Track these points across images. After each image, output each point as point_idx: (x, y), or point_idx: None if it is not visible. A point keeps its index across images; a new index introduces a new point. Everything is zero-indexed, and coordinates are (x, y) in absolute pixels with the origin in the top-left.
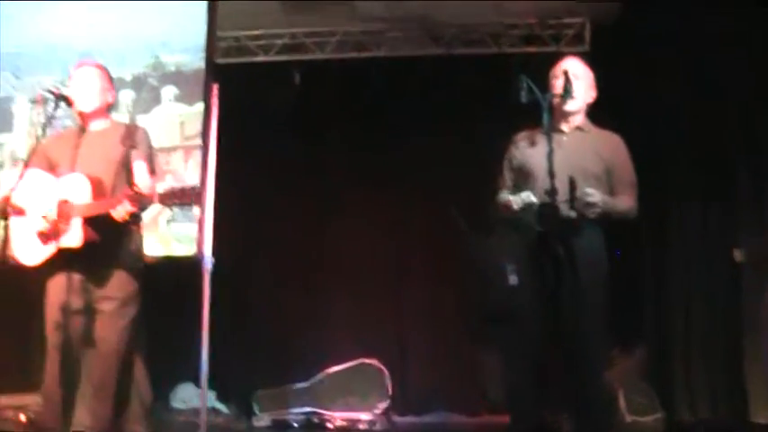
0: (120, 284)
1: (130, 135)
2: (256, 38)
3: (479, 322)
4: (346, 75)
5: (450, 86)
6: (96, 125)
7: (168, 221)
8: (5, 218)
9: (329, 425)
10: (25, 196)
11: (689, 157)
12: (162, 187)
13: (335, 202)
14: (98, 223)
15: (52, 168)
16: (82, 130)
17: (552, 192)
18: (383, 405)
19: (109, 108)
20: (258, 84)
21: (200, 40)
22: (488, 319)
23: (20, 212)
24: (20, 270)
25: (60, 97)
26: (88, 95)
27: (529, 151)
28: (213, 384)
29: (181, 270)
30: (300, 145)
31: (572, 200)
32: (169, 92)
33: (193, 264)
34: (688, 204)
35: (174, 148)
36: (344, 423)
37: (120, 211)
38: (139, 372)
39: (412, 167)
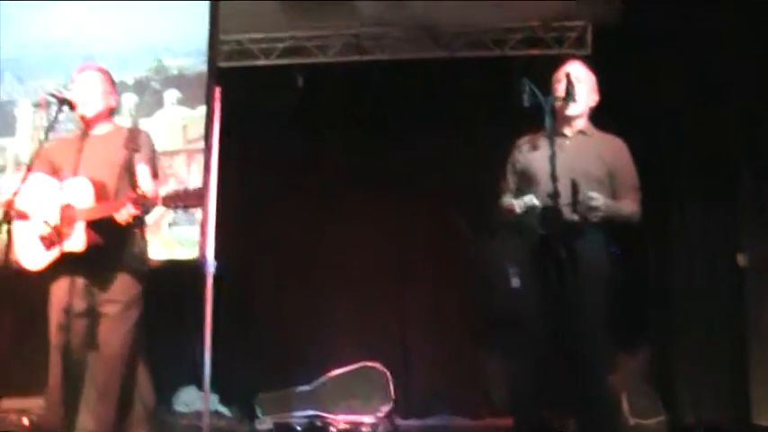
0: (123, 288)
1: (133, 139)
2: (258, 41)
3: (482, 325)
4: (348, 78)
5: (453, 89)
6: (99, 129)
7: (170, 225)
8: (9, 222)
9: (332, 428)
10: (28, 200)
11: (692, 159)
12: (165, 190)
13: (338, 206)
14: (101, 227)
15: (55, 172)
16: (85, 134)
17: (555, 195)
18: (386, 408)
19: (111, 112)
20: (261, 87)
21: (202, 43)
22: (491, 322)
23: (23, 217)
24: (23, 274)
25: (63, 101)
26: (91, 99)
27: (531, 155)
28: (216, 387)
29: (183, 273)
30: (303, 148)
31: (575, 203)
32: (171, 95)
33: (196, 267)
34: (691, 207)
35: (176, 152)
36: (347, 426)
37: (124, 215)
38: (142, 375)
39: (415, 171)
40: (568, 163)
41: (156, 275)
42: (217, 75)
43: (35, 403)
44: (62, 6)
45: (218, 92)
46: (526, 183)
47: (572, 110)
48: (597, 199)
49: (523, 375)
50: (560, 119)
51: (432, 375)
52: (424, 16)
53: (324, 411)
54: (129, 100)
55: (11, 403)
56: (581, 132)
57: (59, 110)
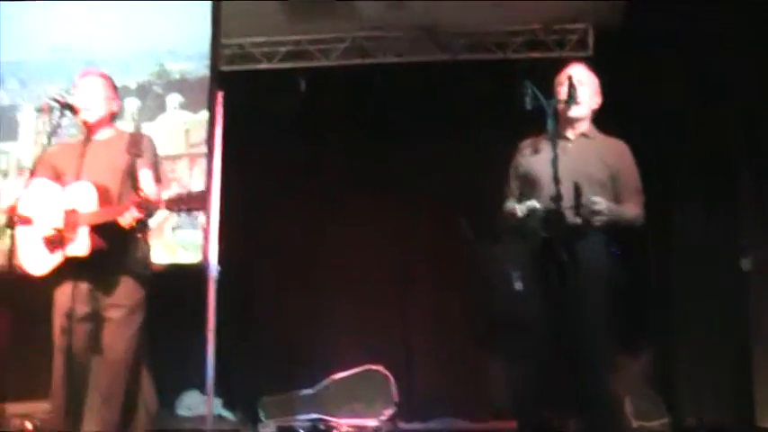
0: (127, 292)
1: (136, 143)
2: (260, 45)
3: (485, 328)
4: (350, 81)
5: (455, 92)
6: (101, 134)
7: (174, 229)
8: (12, 227)
9: (335, 431)
10: (31, 205)
11: (693, 160)
12: (168, 194)
13: (340, 209)
14: (105, 231)
15: (58, 177)
16: (87, 139)
17: (557, 198)
18: (389, 411)
19: (113, 117)
20: (263, 90)
21: (204, 47)
22: (494, 324)
23: (26, 222)
24: (27, 279)
25: (66, 106)
26: (93, 105)
27: (534, 158)
28: (219, 391)
29: (187, 277)
30: (305, 151)
31: (577, 207)
32: (174, 99)
33: (199, 271)
34: (694, 209)
35: (178, 156)
36: (350, 429)
37: (127, 218)
38: (145, 379)
39: (416, 173)
40: (571, 166)
41: (160, 279)
42: (219, 79)
43: (39, 407)
44: (65, 11)
45: (220, 96)
46: (529, 186)
47: (574, 113)
48: (600, 203)
49: (526, 378)
50: (563, 122)
51: (434, 378)
52: (426, 19)
53: (327, 415)
54: (131, 104)
55: (15, 407)
56: (583, 135)
57: (62, 115)
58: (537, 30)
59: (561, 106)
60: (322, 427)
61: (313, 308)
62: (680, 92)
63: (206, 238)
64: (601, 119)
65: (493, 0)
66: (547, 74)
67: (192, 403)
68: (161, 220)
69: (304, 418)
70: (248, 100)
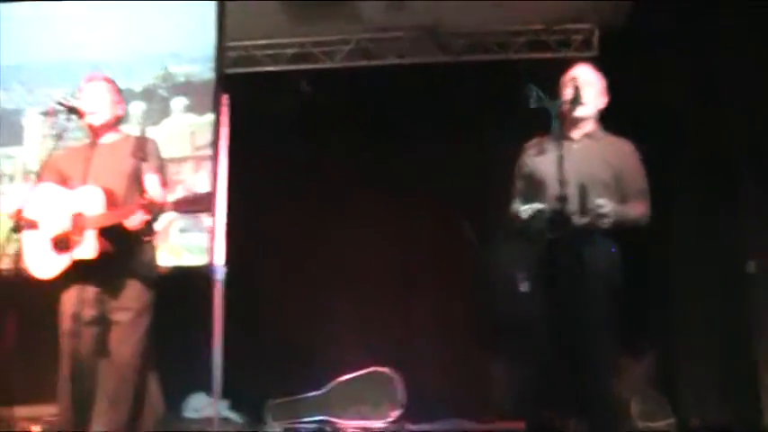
0: (135, 295)
1: (141, 147)
2: (265, 47)
3: (490, 329)
4: (354, 83)
5: (459, 94)
6: (107, 138)
7: (181, 231)
8: (18, 231)
9: None
10: (38, 210)
11: (698, 161)
12: (174, 196)
13: (346, 211)
14: (112, 234)
15: (64, 182)
16: (93, 143)
17: (562, 199)
18: (395, 413)
19: (119, 121)
20: (268, 93)
21: (208, 50)
22: (499, 326)
23: (33, 226)
24: (34, 282)
25: (71, 110)
26: (99, 109)
27: (539, 159)
28: (225, 394)
29: (192, 280)
30: (310, 153)
31: (582, 208)
32: (179, 103)
33: (205, 274)
34: (697, 209)
35: (184, 159)
36: (357, 431)
37: (135, 221)
38: (152, 382)
39: (421, 175)
40: (576, 167)
41: (166, 282)
42: (224, 82)
43: (46, 411)
44: (69, 14)
45: (225, 99)
46: (534, 187)
47: (579, 114)
48: (605, 206)
49: (532, 379)
50: (568, 123)
51: (440, 379)
52: (430, 20)
53: (333, 417)
54: (136, 108)
55: (22, 411)
56: (588, 136)
57: (68, 118)
58: (541, 30)
59: (566, 107)
60: (328, 429)
61: (319, 310)
62: (684, 91)
63: (212, 240)
64: (607, 119)
65: (496, 0)
66: (552, 74)
67: (199, 405)
68: (167, 224)
69: (310, 420)
70: (253, 102)
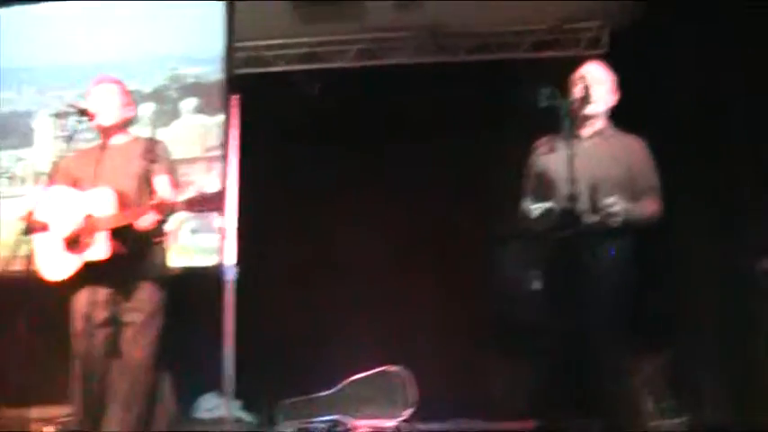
0: (147, 296)
1: (151, 149)
2: (274, 48)
3: (501, 328)
4: (364, 83)
5: (468, 93)
6: (117, 140)
7: (192, 231)
8: (30, 233)
9: None
10: (49, 212)
11: (709, 159)
12: (185, 196)
13: (356, 210)
14: (124, 236)
15: (75, 184)
16: (103, 145)
17: (573, 198)
18: (407, 412)
19: (128, 123)
20: (277, 93)
21: (217, 51)
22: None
23: (44, 228)
24: (46, 283)
25: (82, 112)
26: (108, 112)
27: (549, 158)
28: (237, 394)
29: (203, 280)
30: (319, 153)
31: (593, 206)
32: (189, 104)
33: (216, 274)
34: (712, 206)
35: (194, 160)
36: (368, 431)
37: (146, 221)
38: (164, 382)
39: (431, 174)
40: (586, 165)
41: (177, 283)
42: (233, 82)
43: (59, 412)
44: (79, 17)
45: (235, 99)
46: (544, 185)
47: (589, 112)
48: (616, 204)
49: (544, 377)
50: (578, 121)
51: (452, 379)
52: (439, 20)
53: (345, 416)
54: (147, 109)
55: (35, 412)
56: (599, 133)
57: (78, 120)
58: (550, 29)
59: (576, 105)
60: (340, 428)
61: (330, 310)
62: (695, 88)
63: (222, 240)
64: (618, 117)
65: (504, 0)
66: (561, 72)
67: (211, 406)
68: (177, 225)
69: (322, 419)
70: (262, 102)
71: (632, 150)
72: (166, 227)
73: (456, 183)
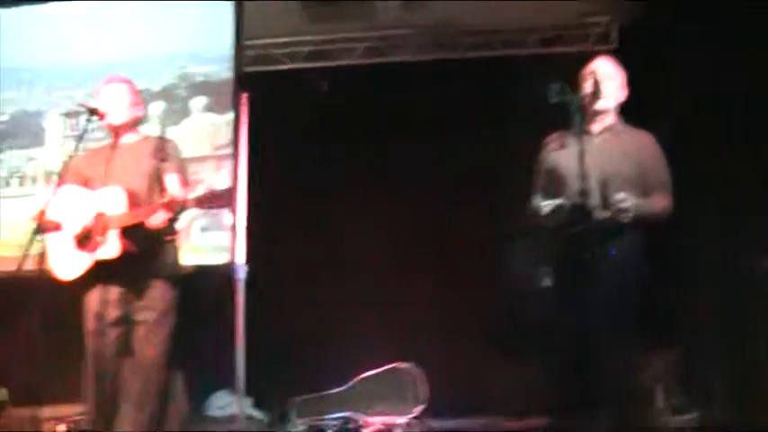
0: (159, 295)
1: (161, 148)
2: (283, 45)
3: (513, 325)
4: (372, 80)
5: (477, 90)
6: (127, 139)
7: (202, 230)
8: (41, 233)
9: (365, 430)
10: (60, 212)
11: (720, 156)
12: (195, 194)
13: (365, 207)
14: (135, 234)
15: (85, 183)
16: (113, 144)
17: (584, 194)
18: (418, 409)
19: (138, 122)
20: (286, 91)
21: (226, 49)
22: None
23: (56, 228)
24: (59, 283)
25: (92, 111)
26: (118, 111)
27: (560, 154)
28: (248, 391)
29: (214, 279)
30: (328, 151)
31: (604, 202)
32: (198, 102)
33: (226, 272)
34: (722, 202)
35: (204, 158)
36: (380, 427)
37: (157, 219)
38: (176, 380)
39: (441, 172)
40: (596, 161)
41: (188, 281)
42: (243, 80)
43: (71, 410)
44: (88, 16)
45: (244, 98)
46: (555, 182)
47: (599, 107)
48: (626, 200)
49: (556, 373)
50: (588, 117)
51: (462, 375)
52: (446, 17)
53: (357, 413)
54: (156, 108)
55: (48, 411)
56: (609, 129)
57: (89, 120)
58: (559, 25)
59: (586, 101)
60: (351, 425)
61: (340, 307)
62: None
63: (233, 238)
64: (628, 111)
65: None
66: (571, 67)
67: (223, 403)
68: (188, 223)
69: (334, 416)
70: (271, 100)
71: (643, 146)
72: (177, 225)
73: (465, 180)
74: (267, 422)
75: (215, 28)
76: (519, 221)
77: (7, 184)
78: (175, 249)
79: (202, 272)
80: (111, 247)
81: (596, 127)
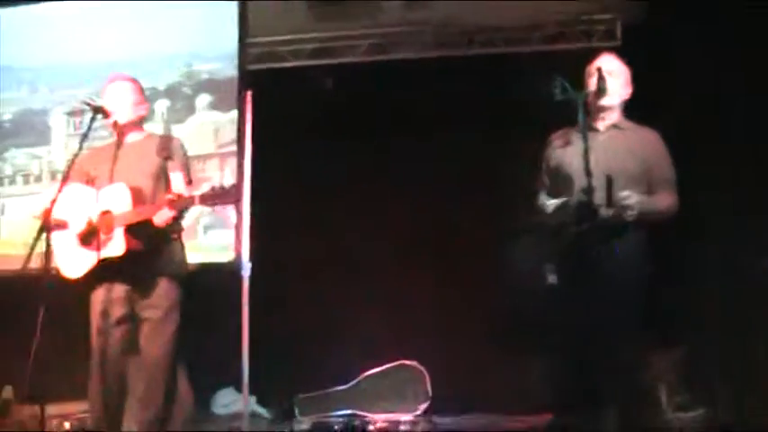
0: (165, 293)
1: (165, 146)
2: (286, 43)
3: (518, 323)
4: (376, 77)
5: (481, 87)
6: (131, 137)
7: (206, 228)
8: (47, 231)
9: (370, 427)
10: (66, 210)
11: (725, 153)
12: (200, 190)
13: (370, 206)
14: (140, 232)
15: (90, 182)
16: (118, 142)
17: (589, 191)
18: (423, 406)
19: (143, 120)
20: (290, 88)
21: (230, 47)
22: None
23: (62, 226)
24: (64, 281)
25: (97, 109)
26: (123, 109)
27: (564, 151)
28: (253, 389)
29: (219, 276)
30: (332, 148)
31: (609, 199)
32: (203, 100)
33: (231, 270)
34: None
35: (209, 156)
36: (385, 425)
37: (162, 217)
38: (181, 378)
39: (446, 169)
40: (601, 158)
41: (193, 279)
42: (247, 78)
43: (77, 408)
44: (92, 15)
45: (249, 95)
46: (560, 179)
47: (605, 102)
48: (631, 197)
49: (561, 371)
50: (593, 114)
51: (469, 373)
52: (450, 14)
53: (362, 410)
54: (161, 105)
55: (53, 408)
56: (614, 126)
57: (93, 118)
58: (564, 21)
59: (591, 98)
60: (357, 422)
61: (344, 304)
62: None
63: (237, 236)
64: (633, 110)
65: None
66: (576, 65)
67: (228, 401)
68: (192, 222)
69: (339, 414)
70: (275, 98)
71: (648, 143)
72: (182, 223)
73: (469, 178)
74: (272, 420)
75: (219, 26)
76: (522, 219)
77: (12, 182)
78: (180, 247)
79: (207, 270)
80: (116, 245)
81: (601, 124)
